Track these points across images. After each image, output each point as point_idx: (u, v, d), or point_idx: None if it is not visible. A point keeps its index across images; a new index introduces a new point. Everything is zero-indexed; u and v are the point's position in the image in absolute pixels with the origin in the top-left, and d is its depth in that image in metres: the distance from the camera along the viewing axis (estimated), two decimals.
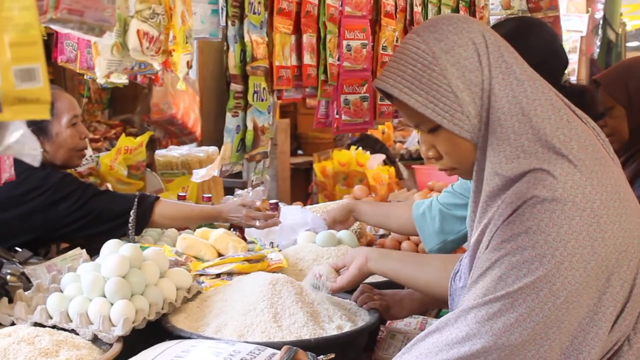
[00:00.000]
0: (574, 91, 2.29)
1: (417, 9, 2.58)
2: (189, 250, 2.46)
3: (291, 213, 2.87)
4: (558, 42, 2.35)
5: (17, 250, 2.51)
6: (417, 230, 2.65)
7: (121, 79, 1.61)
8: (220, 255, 2.49)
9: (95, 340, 1.77)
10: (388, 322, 2.16)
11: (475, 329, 1.34)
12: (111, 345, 1.74)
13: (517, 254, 1.34)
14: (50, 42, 2.51)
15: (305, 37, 1.87)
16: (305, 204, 3.64)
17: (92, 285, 1.86)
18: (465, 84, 1.43)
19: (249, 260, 2.30)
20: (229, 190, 4.17)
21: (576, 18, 7.75)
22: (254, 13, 1.58)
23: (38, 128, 2.72)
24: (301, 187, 6.75)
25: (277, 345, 1.65)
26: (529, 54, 2.23)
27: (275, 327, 1.80)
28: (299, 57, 1.87)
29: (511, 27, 2.38)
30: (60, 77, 4.32)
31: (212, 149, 4.48)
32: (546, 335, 1.32)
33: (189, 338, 1.76)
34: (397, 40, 2.38)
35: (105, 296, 1.85)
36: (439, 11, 2.83)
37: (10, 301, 1.94)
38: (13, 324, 1.84)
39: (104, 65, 1.35)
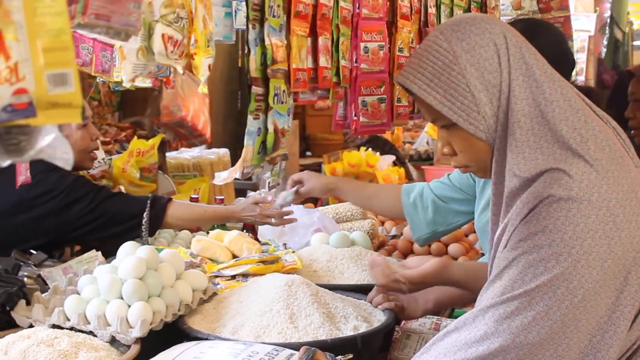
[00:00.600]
0: (582, 92, 2.29)
1: (432, 10, 2.59)
2: (204, 252, 2.47)
3: (297, 214, 2.88)
4: (566, 43, 2.35)
5: (31, 253, 2.52)
6: (406, 217, 2.62)
7: (145, 83, 1.63)
8: (234, 256, 2.50)
9: (113, 341, 1.78)
10: (403, 322, 2.16)
11: (493, 327, 1.34)
12: (129, 346, 1.75)
13: (534, 253, 1.35)
14: None
15: (320, 40, 1.88)
16: (315, 205, 3.65)
17: (110, 287, 1.87)
18: (484, 84, 1.44)
19: (263, 262, 2.31)
20: (241, 192, 4.18)
21: (584, 18, 7.74)
22: (274, 16, 1.59)
23: None
24: None
25: (294, 346, 1.66)
26: (543, 54, 2.25)
27: (291, 328, 1.81)
28: (315, 59, 1.88)
29: (519, 28, 2.39)
30: None
31: (224, 151, 4.49)
32: (564, 334, 1.32)
33: (206, 339, 1.77)
34: (412, 42, 2.38)
35: (122, 298, 1.86)
36: (451, 12, 2.84)
37: (28, 303, 1.95)
38: (31, 326, 1.85)
39: (130, 69, 1.36)
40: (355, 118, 2.11)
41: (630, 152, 1.49)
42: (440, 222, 2.57)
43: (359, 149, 5.19)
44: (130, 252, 2.01)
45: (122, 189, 3.23)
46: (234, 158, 5.10)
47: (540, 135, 1.42)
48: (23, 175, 2.11)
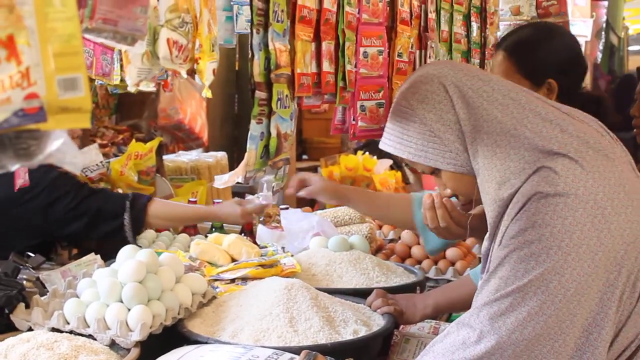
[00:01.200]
0: (591, 99, 2.30)
1: (432, 15, 2.60)
2: (203, 256, 2.47)
3: (295, 218, 2.88)
4: (579, 48, 2.36)
5: (29, 256, 2.52)
6: (418, 230, 2.61)
7: (149, 87, 1.64)
8: (233, 260, 2.49)
9: (112, 345, 1.78)
10: (402, 326, 2.17)
11: (488, 326, 1.36)
12: (129, 350, 1.75)
13: (525, 248, 1.36)
14: None
15: (324, 45, 1.89)
16: (313, 209, 3.65)
17: (109, 291, 1.87)
18: (445, 125, 1.52)
19: (262, 266, 2.31)
20: (238, 196, 4.17)
21: (581, 23, 7.75)
22: (278, 21, 1.60)
23: None
24: None
25: (294, 350, 1.66)
26: (552, 58, 2.25)
27: (291, 331, 1.81)
28: (319, 64, 1.89)
29: (534, 32, 2.41)
30: None
31: (221, 154, 4.50)
32: (560, 329, 1.33)
33: (205, 343, 1.77)
34: (412, 47, 2.39)
35: (122, 301, 1.86)
36: (451, 17, 2.85)
37: (27, 307, 1.95)
38: (30, 329, 1.85)
39: (135, 74, 1.37)
40: (353, 122, 2.12)
41: (618, 149, 1.51)
42: None
43: (355, 153, 5.19)
44: (129, 256, 2.02)
45: (120, 192, 3.22)
46: (231, 161, 5.11)
47: (518, 147, 1.46)
48: (22, 179, 2.12)
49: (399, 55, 2.28)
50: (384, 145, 1.66)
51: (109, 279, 1.91)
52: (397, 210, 2.56)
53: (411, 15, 2.38)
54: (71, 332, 1.81)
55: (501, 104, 1.50)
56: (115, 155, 4.19)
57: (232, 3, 2.04)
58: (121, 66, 2.17)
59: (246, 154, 1.53)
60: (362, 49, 2.05)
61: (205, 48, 1.46)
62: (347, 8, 1.95)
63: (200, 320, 1.96)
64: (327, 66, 1.89)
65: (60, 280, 2.23)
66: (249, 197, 3.57)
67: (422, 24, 2.56)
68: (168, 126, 5.01)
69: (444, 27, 2.77)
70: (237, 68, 6.35)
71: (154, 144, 3.78)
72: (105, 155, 4.31)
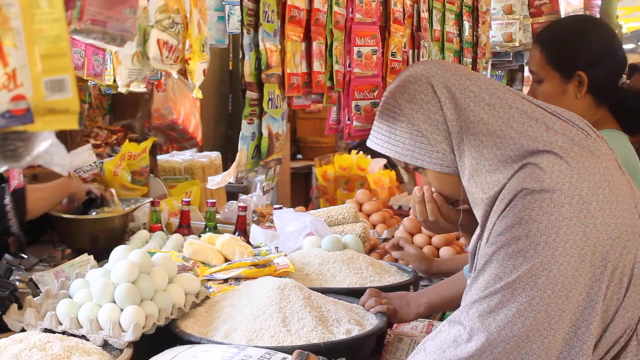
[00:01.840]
0: (630, 94, 2.25)
1: (424, 14, 2.60)
2: (196, 256, 2.47)
3: (289, 218, 2.88)
4: (616, 42, 2.28)
5: (23, 257, 2.52)
6: None
7: (140, 88, 1.63)
8: (227, 260, 2.49)
9: (105, 345, 1.78)
10: (395, 325, 2.17)
11: (478, 323, 1.36)
12: (121, 350, 1.75)
13: (512, 245, 1.37)
14: None
15: (314, 45, 1.89)
16: (307, 209, 3.65)
17: (102, 291, 1.87)
18: (433, 126, 1.54)
19: (256, 265, 2.31)
20: (232, 196, 4.19)
21: None
22: (268, 21, 1.60)
23: None
24: (301, 191, 6.76)
25: (287, 350, 1.66)
26: (585, 52, 2.22)
27: (284, 331, 1.81)
28: (309, 64, 1.89)
29: (568, 24, 2.38)
30: None
31: (215, 154, 4.49)
32: (549, 324, 1.34)
33: (198, 343, 1.77)
34: (405, 46, 2.39)
35: (115, 302, 1.86)
36: (443, 17, 2.85)
37: (20, 307, 1.94)
38: (23, 330, 1.85)
39: (125, 75, 1.37)
40: (348, 122, 2.12)
41: (603, 147, 1.53)
42: None
43: (349, 152, 5.19)
44: (122, 256, 2.01)
45: (114, 192, 3.22)
46: (225, 161, 5.11)
47: (504, 147, 1.48)
48: (16, 180, 2.12)
49: (393, 54, 2.28)
50: (371, 143, 1.67)
51: (102, 279, 1.90)
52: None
53: (404, 15, 2.38)
54: (64, 332, 1.80)
55: (488, 104, 1.52)
56: (109, 156, 4.19)
57: (223, 3, 2.03)
58: (113, 66, 2.17)
59: (238, 154, 1.53)
60: (355, 49, 2.06)
61: (196, 48, 1.46)
62: (335, 8, 1.96)
63: (193, 320, 1.96)
64: (317, 66, 1.90)
65: (54, 280, 2.23)
66: (242, 197, 3.58)
67: (414, 23, 2.56)
68: (162, 126, 5.01)
69: (436, 26, 2.77)
70: (230, 68, 6.35)
71: (147, 144, 3.78)
72: (99, 155, 4.31)
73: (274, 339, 1.79)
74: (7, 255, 2.37)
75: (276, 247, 2.73)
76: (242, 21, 1.50)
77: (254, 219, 3.34)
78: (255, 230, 3.00)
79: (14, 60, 0.75)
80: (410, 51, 2.49)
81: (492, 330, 1.34)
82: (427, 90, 1.56)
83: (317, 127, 7.92)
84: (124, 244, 2.75)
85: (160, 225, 3.10)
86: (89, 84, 3.04)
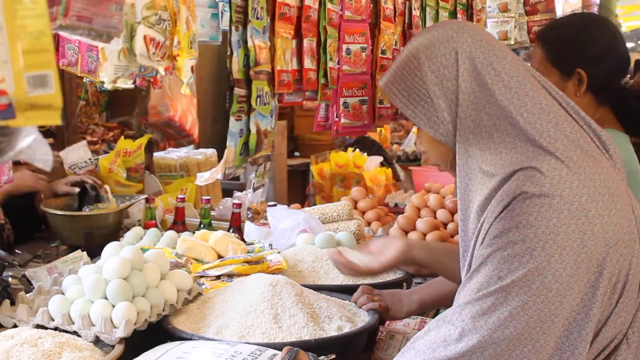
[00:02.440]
0: (632, 94, 2.22)
1: (416, 12, 2.60)
2: (189, 252, 2.47)
3: (283, 215, 2.88)
4: (619, 41, 2.26)
5: (17, 253, 2.53)
6: None
7: (127, 84, 1.63)
8: (220, 257, 2.50)
9: (97, 342, 1.78)
10: (387, 322, 2.17)
11: (470, 324, 1.36)
12: (113, 346, 1.75)
13: (508, 249, 1.36)
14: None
15: (305, 42, 1.89)
16: (302, 206, 3.65)
17: (94, 288, 1.88)
18: (442, 91, 1.51)
19: (248, 262, 2.32)
20: (228, 193, 4.18)
21: None
22: (257, 18, 1.60)
23: None
24: (298, 188, 6.76)
25: (277, 346, 1.67)
26: (585, 49, 2.19)
27: (275, 328, 1.82)
28: (300, 61, 1.89)
29: (569, 22, 2.36)
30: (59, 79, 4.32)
31: (211, 151, 4.49)
32: (541, 329, 1.34)
33: (190, 339, 1.77)
34: (396, 44, 2.39)
35: (106, 298, 1.87)
36: (436, 15, 2.85)
37: (12, 303, 1.95)
38: (15, 326, 1.85)
39: (111, 71, 1.37)
40: (336, 119, 2.12)
41: (607, 154, 1.51)
42: None
43: (346, 150, 5.19)
44: (114, 253, 2.02)
45: (108, 189, 3.22)
46: (221, 158, 5.10)
47: (512, 135, 1.45)
48: (6, 176, 2.11)
49: (383, 52, 2.29)
50: (382, 82, 1.62)
51: (94, 275, 1.91)
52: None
53: (395, 13, 2.38)
54: (56, 328, 1.81)
55: (505, 86, 1.48)
56: (106, 153, 4.18)
57: (217, 0, 2.04)
58: None
59: (225, 151, 1.54)
60: (344, 46, 2.06)
61: (184, 45, 1.46)
62: (329, 5, 1.96)
63: (185, 316, 1.97)
64: (308, 63, 1.90)
65: (47, 277, 2.23)
66: (237, 194, 3.58)
67: (406, 21, 2.56)
68: (158, 123, 5.00)
69: (429, 23, 2.77)
70: (227, 65, 6.34)
71: (142, 141, 3.78)
72: (95, 152, 4.31)
73: (265, 336, 1.80)
74: (0, 252, 2.37)
75: (270, 244, 2.74)
76: (230, 18, 1.49)
77: (249, 216, 3.34)
78: (249, 228, 3.00)
79: None
80: (402, 49, 2.49)
81: (483, 332, 1.34)
82: (449, 55, 1.52)
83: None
84: (119, 240, 2.76)
85: (154, 222, 3.11)
86: (84, 80, 3.04)
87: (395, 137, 7.57)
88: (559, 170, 1.40)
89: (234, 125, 1.55)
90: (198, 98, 5.37)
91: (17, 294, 1.99)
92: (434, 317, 2.32)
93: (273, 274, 2.19)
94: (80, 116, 4.94)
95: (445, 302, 2.12)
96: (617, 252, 1.40)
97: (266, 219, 3.10)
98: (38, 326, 1.83)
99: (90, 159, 3.47)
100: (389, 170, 4.96)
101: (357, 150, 5.04)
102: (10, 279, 2.15)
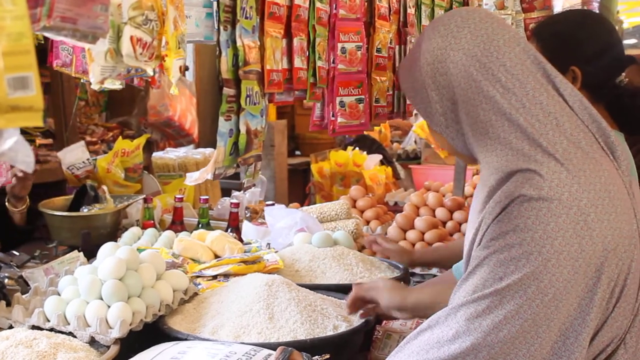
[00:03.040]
0: (627, 92, 2.20)
1: (411, 10, 2.59)
2: (186, 252, 2.47)
3: (280, 214, 2.88)
4: (615, 39, 2.23)
5: (14, 254, 2.53)
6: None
7: (115, 85, 1.62)
8: (216, 256, 2.50)
9: (92, 342, 1.78)
10: (384, 321, 2.17)
11: (464, 326, 1.35)
12: (108, 347, 1.76)
13: (505, 252, 1.35)
14: (46, 47, 2.53)
15: (295, 41, 1.88)
16: (302, 205, 3.65)
17: (89, 288, 1.88)
18: (435, 84, 1.50)
19: (245, 262, 2.31)
20: (226, 192, 4.18)
21: None
22: (246, 18, 1.59)
23: None
24: (299, 187, 6.76)
25: (273, 346, 1.67)
26: (580, 47, 2.18)
27: (271, 327, 1.82)
28: (290, 60, 1.89)
29: (565, 18, 2.35)
30: (57, 79, 4.31)
31: (209, 150, 4.48)
32: (536, 333, 1.32)
33: (185, 339, 1.77)
34: (391, 42, 2.39)
35: (102, 299, 1.87)
36: (432, 12, 2.84)
37: (8, 304, 1.95)
38: (11, 327, 1.85)
39: (98, 72, 1.37)
40: (333, 118, 2.11)
41: (612, 155, 1.49)
42: None
43: (345, 149, 5.19)
44: (110, 253, 2.02)
45: (106, 189, 3.22)
46: None
47: (510, 132, 1.44)
48: (3, 177, 2.12)
49: (378, 50, 2.28)
50: (398, 68, 1.66)
51: (89, 276, 1.91)
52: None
53: (390, 11, 2.38)
54: (52, 329, 1.81)
55: (503, 86, 1.45)
56: (105, 153, 4.18)
57: (211, 0, 2.03)
58: None
59: (215, 151, 1.53)
60: (339, 45, 2.05)
61: (172, 45, 1.45)
62: (317, 4, 1.95)
63: (181, 317, 1.97)
64: (299, 62, 1.89)
65: (43, 277, 2.23)
66: (235, 193, 3.57)
67: (401, 19, 2.56)
68: (158, 123, 5.00)
69: (425, 22, 2.76)
70: (216, 65, 6.32)
71: (140, 141, 3.78)
72: (95, 152, 4.31)
73: (260, 336, 1.80)
74: None
75: (268, 244, 2.73)
76: (218, 18, 1.49)
77: (247, 216, 3.34)
78: (247, 227, 3.00)
79: None
80: (397, 47, 2.48)
81: (477, 334, 1.33)
82: (444, 49, 1.50)
83: None
84: (117, 240, 2.76)
85: (153, 222, 3.11)
86: (81, 81, 3.04)
87: (395, 135, 7.56)
88: (558, 173, 1.38)
89: (223, 125, 1.55)
90: (197, 98, 5.37)
91: (13, 294, 1.99)
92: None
93: (270, 273, 2.19)
94: (80, 116, 4.95)
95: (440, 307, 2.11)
96: (616, 257, 1.38)
97: (264, 219, 3.10)
98: (34, 327, 1.83)
99: (88, 159, 3.46)
100: (389, 169, 4.96)
101: (357, 148, 5.04)
102: (6, 280, 2.15)
